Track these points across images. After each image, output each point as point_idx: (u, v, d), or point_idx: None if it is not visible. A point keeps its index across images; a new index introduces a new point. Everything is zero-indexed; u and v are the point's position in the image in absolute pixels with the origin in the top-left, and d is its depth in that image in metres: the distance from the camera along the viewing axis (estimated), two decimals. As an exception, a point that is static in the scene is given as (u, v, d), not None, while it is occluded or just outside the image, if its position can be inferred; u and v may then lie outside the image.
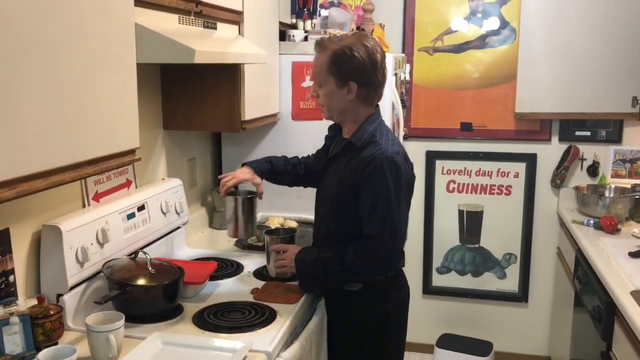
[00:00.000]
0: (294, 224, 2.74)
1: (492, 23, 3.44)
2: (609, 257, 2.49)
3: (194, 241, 2.58)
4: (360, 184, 1.86)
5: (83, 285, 1.80)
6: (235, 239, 2.57)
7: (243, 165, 2.22)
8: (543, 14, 3.24)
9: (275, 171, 2.23)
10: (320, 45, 1.92)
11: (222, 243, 2.60)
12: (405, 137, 3.19)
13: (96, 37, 1.38)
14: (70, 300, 1.73)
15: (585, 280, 2.60)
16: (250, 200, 2.18)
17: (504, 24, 3.43)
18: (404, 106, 3.11)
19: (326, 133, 2.19)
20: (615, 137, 3.39)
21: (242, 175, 2.16)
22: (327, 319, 2.03)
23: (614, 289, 2.16)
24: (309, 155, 2.31)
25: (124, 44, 1.50)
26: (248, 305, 1.91)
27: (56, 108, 1.27)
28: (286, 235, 2.20)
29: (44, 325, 1.57)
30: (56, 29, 1.25)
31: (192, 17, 1.90)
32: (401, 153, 1.92)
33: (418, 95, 3.59)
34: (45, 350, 1.44)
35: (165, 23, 1.75)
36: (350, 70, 1.86)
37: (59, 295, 1.72)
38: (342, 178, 1.91)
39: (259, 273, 2.22)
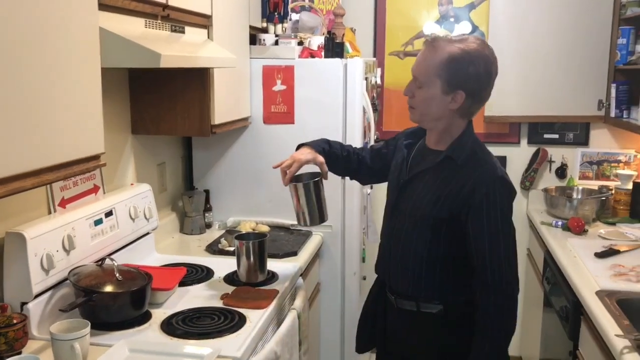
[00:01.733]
0: (265, 228, 2.74)
1: (464, 27, 3.48)
2: (576, 257, 2.54)
3: (164, 247, 2.55)
4: (470, 206, 1.70)
5: (48, 293, 1.77)
6: (209, 245, 2.56)
7: (300, 146, 2.02)
8: (509, 19, 3.29)
9: (332, 153, 2.03)
10: (433, 43, 1.73)
11: (193, 248, 2.59)
12: (377, 141, 3.21)
13: (58, 42, 1.37)
14: (34, 309, 1.71)
15: (553, 281, 2.64)
16: (316, 183, 1.96)
17: (474, 28, 3.48)
18: (375, 110, 3.13)
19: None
20: (582, 140, 3.46)
21: (303, 157, 1.93)
22: (404, 345, 1.90)
23: (580, 289, 2.20)
24: (362, 148, 2.15)
25: (87, 48, 1.48)
26: (217, 311, 1.90)
27: (15, 113, 1.25)
28: (256, 239, 2.19)
29: (6, 335, 1.54)
30: (15, 33, 1.23)
31: (159, 21, 1.89)
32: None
33: (390, 98, 3.61)
34: (8, 360, 1.42)
35: (131, 27, 1.73)
36: (464, 77, 1.69)
37: (23, 304, 1.69)
38: (439, 196, 1.74)
39: (230, 278, 2.21)
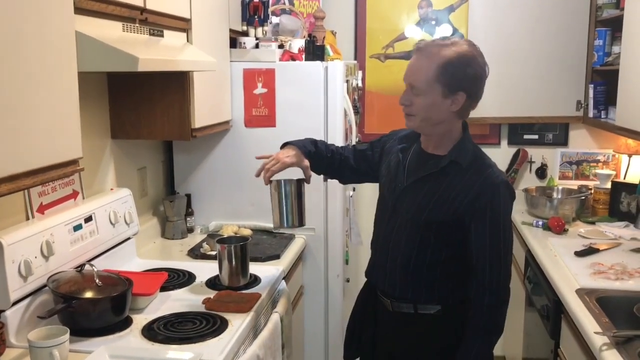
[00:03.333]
0: (248, 232, 2.74)
1: (445, 30, 3.51)
2: (556, 256, 2.56)
3: (146, 252, 2.53)
4: (475, 210, 1.72)
5: (27, 300, 1.74)
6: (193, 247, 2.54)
7: (285, 145, 1.97)
8: (488, 22, 3.32)
9: (317, 154, 1.99)
10: (426, 49, 1.72)
11: (175, 253, 2.57)
12: (359, 143, 3.22)
13: (33, 46, 1.35)
14: (12, 316, 1.68)
15: (535, 280, 2.66)
16: (298, 184, 1.92)
17: (453, 30, 3.50)
18: (356, 112, 3.14)
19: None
20: (562, 140, 3.50)
21: (288, 159, 1.90)
22: (396, 349, 1.90)
23: (560, 287, 2.22)
24: (343, 147, 2.12)
25: (63, 52, 1.47)
26: (199, 315, 1.89)
27: (-10, 118, 1.23)
28: (238, 243, 2.18)
29: (-16, 343, 1.52)
30: (-11, 37, 1.22)
31: (137, 25, 1.88)
32: None
33: (371, 101, 3.62)
34: (-15, 368, 1.40)
35: (108, 31, 1.72)
36: (463, 79, 1.69)
37: (1, 311, 1.66)
38: (444, 200, 1.75)
39: (212, 282, 2.20)
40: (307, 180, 1.96)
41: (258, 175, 1.94)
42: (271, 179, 1.93)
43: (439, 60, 1.69)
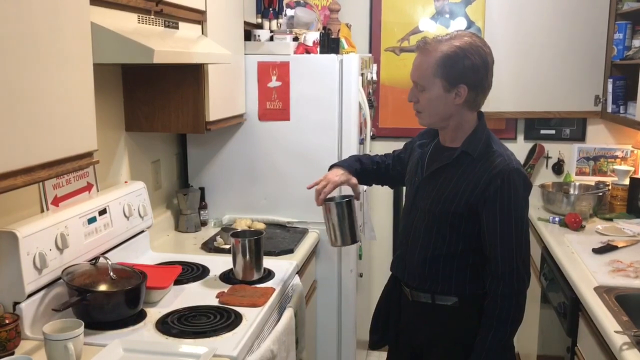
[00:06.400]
0: (261, 226, 2.72)
1: (459, 23, 3.47)
2: (573, 253, 2.52)
3: (159, 245, 2.53)
4: (485, 199, 1.73)
5: (41, 293, 1.74)
6: (200, 244, 2.54)
7: (332, 167, 2.06)
8: (505, 15, 3.28)
9: (363, 171, 2.08)
10: (425, 46, 1.76)
11: (188, 246, 2.57)
12: (373, 137, 3.19)
13: (49, 37, 1.34)
14: (27, 308, 1.68)
15: (551, 277, 2.63)
16: (349, 204, 1.98)
17: (470, 23, 3.46)
18: (371, 106, 3.11)
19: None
20: (579, 135, 3.45)
21: (337, 178, 1.98)
22: (417, 338, 1.94)
23: (578, 285, 2.19)
24: (387, 155, 2.19)
25: (79, 43, 1.46)
26: (213, 309, 1.88)
27: (5, 109, 1.22)
28: (252, 237, 2.17)
29: (-1, 335, 1.52)
30: (5, 28, 1.21)
31: (152, 17, 1.87)
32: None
33: (385, 95, 3.59)
34: (0, 360, 1.40)
35: (123, 22, 1.71)
36: (462, 71, 1.71)
37: (16, 303, 1.67)
38: (456, 191, 1.77)
39: (226, 276, 2.19)
40: (356, 197, 2.03)
41: (317, 203, 1.98)
42: (324, 200, 1.97)
43: (437, 55, 1.73)
